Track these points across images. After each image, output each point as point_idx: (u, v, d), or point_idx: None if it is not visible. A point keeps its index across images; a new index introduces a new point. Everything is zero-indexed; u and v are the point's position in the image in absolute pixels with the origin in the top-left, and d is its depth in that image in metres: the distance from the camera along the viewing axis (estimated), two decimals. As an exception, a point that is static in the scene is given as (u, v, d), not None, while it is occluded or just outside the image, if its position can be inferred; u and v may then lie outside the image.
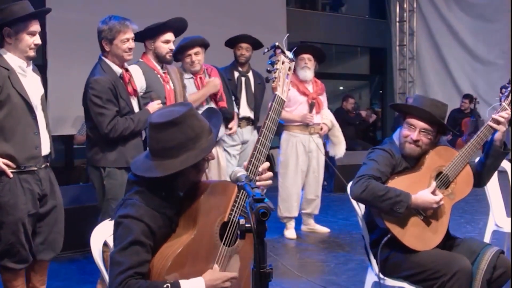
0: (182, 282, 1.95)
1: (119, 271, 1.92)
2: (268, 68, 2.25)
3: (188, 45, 4.52)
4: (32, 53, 3.14)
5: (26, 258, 3.19)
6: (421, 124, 2.80)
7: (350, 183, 2.92)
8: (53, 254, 3.35)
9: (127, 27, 3.50)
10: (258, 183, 2.12)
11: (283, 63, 2.24)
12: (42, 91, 3.28)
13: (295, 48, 2.39)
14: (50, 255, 3.33)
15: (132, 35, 3.54)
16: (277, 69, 2.22)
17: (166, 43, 4.00)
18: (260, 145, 2.13)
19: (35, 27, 3.13)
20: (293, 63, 2.30)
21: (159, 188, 2.07)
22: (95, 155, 3.56)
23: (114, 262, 1.95)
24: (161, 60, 4.03)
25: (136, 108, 3.67)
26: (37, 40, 3.13)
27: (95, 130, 3.52)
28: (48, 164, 3.30)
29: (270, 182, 2.17)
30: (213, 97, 4.63)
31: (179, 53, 4.54)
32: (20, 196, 3.11)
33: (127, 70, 3.63)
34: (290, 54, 2.27)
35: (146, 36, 4.03)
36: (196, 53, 4.53)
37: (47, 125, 3.28)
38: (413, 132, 2.81)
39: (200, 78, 4.58)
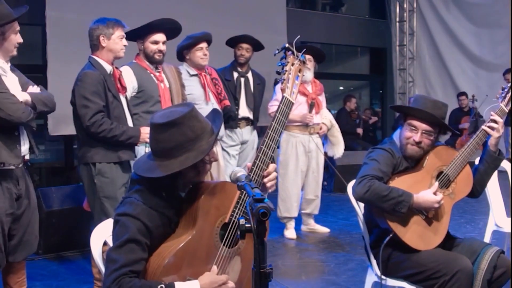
0: (177, 284, 1.95)
1: (113, 269, 1.92)
2: (278, 70, 2.24)
3: (203, 38, 4.58)
4: (15, 52, 3.19)
5: (0, 262, 3.11)
6: (423, 126, 2.81)
7: (352, 184, 2.93)
8: (25, 255, 3.29)
9: (123, 26, 3.62)
10: (265, 180, 2.12)
11: (292, 64, 2.24)
12: (19, 89, 3.23)
13: (304, 49, 2.38)
14: (22, 256, 3.26)
15: (124, 35, 3.64)
16: (286, 70, 2.22)
17: (155, 43, 4.02)
18: (265, 146, 2.12)
19: (17, 25, 3.18)
20: (304, 64, 2.29)
21: (159, 188, 2.07)
22: (85, 152, 3.56)
23: (109, 259, 1.96)
24: (149, 60, 4.06)
25: (125, 107, 3.69)
26: (20, 38, 3.19)
27: (83, 128, 3.51)
28: (24, 164, 3.24)
29: (274, 181, 2.16)
30: (217, 96, 4.63)
31: (189, 47, 4.54)
32: None
33: (117, 68, 3.68)
34: (300, 56, 2.26)
35: (135, 36, 4.05)
36: (206, 48, 4.58)
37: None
38: (415, 133, 2.81)
39: (205, 76, 4.60)
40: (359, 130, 9.64)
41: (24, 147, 3.17)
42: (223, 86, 4.80)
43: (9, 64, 3.21)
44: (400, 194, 2.66)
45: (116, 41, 3.57)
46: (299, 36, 2.41)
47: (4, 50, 3.12)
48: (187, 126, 2.03)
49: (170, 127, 2.02)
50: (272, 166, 2.14)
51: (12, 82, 3.20)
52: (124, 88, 3.69)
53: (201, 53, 4.55)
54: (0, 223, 3.07)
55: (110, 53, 3.58)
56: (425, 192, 2.73)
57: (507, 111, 2.94)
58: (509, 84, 2.98)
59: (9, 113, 2.96)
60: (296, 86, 2.23)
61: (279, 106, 2.18)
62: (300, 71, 2.26)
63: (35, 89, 3.26)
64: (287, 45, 2.26)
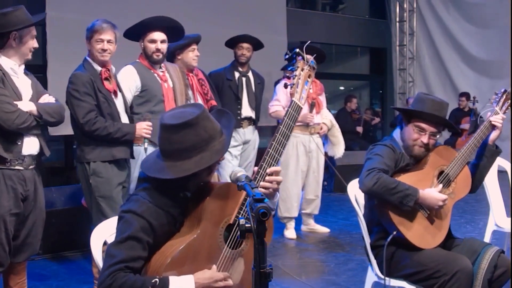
0: (172, 278, 1.95)
1: (110, 264, 1.93)
2: (288, 74, 2.25)
3: (196, 39, 4.58)
4: (30, 55, 3.26)
5: (3, 262, 3.12)
6: (431, 129, 2.84)
7: (352, 183, 2.96)
8: (27, 257, 3.31)
9: (103, 29, 3.57)
10: (262, 183, 2.10)
11: (302, 69, 2.25)
12: (31, 92, 3.29)
13: (315, 55, 2.39)
14: (24, 257, 3.28)
15: (109, 38, 3.58)
16: (295, 75, 2.23)
17: (152, 42, 4.02)
18: (272, 149, 2.12)
19: (35, 31, 3.26)
20: (314, 70, 2.30)
21: (168, 188, 2.07)
22: (81, 151, 3.58)
23: (108, 254, 1.97)
24: (148, 59, 4.05)
25: (120, 108, 3.68)
26: (36, 43, 3.27)
27: (79, 127, 3.54)
28: (35, 165, 3.25)
29: (276, 186, 2.13)
30: (204, 97, 4.61)
31: (183, 48, 4.52)
32: (3, 193, 3.08)
33: (108, 70, 3.66)
34: (311, 61, 2.27)
35: (134, 35, 4.06)
36: (197, 49, 4.57)
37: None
38: (423, 135, 2.83)
39: (192, 77, 4.58)
40: (359, 129, 9.62)
41: (30, 147, 3.18)
42: (210, 87, 4.77)
43: (23, 67, 3.27)
44: (407, 187, 2.68)
45: (93, 45, 3.57)
46: (309, 42, 2.41)
47: (20, 54, 3.20)
48: (201, 127, 2.03)
49: (183, 128, 2.02)
50: (277, 168, 2.13)
51: (24, 84, 3.25)
52: (115, 92, 3.68)
53: (193, 54, 4.54)
54: (3, 222, 3.09)
55: (93, 56, 3.60)
56: (430, 189, 2.75)
57: (502, 114, 3.02)
58: (503, 89, 3.07)
59: (1, 122, 3.02)
60: (305, 91, 2.24)
61: (287, 110, 2.18)
62: (309, 76, 2.27)
63: (49, 98, 3.31)
64: (297, 49, 2.27)
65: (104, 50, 3.56)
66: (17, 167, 3.14)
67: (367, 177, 2.71)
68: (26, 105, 3.14)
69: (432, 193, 2.73)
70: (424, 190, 2.73)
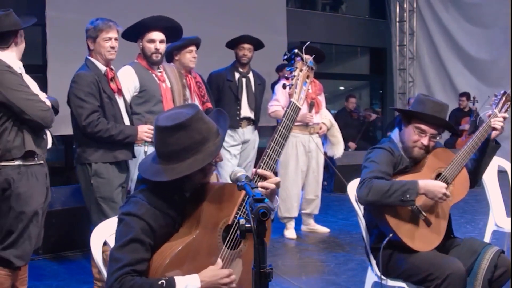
0: (177, 278, 1.95)
1: (116, 268, 1.93)
2: (286, 75, 2.27)
3: (194, 41, 4.57)
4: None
5: (27, 254, 3.17)
6: (432, 130, 2.83)
7: (352, 183, 2.95)
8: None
9: (110, 27, 3.58)
10: (260, 184, 2.10)
11: (301, 70, 2.26)
12: (39, 89, 3.34)
13: (314, 55, 2.40)
14: None
15: (115, 35, 3.61)
16: (294, 76, 2.24)
17: (151, 42, 4.01)
18: (270, 150, 2.12)
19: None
20: (313, 71, 2.30)
21: (165, 189, 2.07)
22: (81, 152, 3.58)
23: (112, 258, 1.97)
24: (147, 60, 4.05)
25: (121, 107, 3.68)
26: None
27: (80, 128, 3.55)
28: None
29: (273, 186, 2.12)
30: (200, 99, 4.61)
31: (180, 49, 4.52)
32: (37, 188, 3.17)
33: (112, 69, 3.68)
34: (309, 62, 2.28)
35: (132, 36, 4.06)
36: (196, 51, 4.57)
37: None
38: (424, 137, 2.82)
39: (191, 78, 4.58)
40: (352, 145, 9.42)
41: (49, 140, 3.30)
42: (206, 90, 4.76)
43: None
44: (403, 184, 2.65)
45: (101, 43, 3.56)
46: (308, 42, 2.42)
47: (19, 52, 3.26)
48: (194, 129, 2.02)
49: (177, 130, 2.01)
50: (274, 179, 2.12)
51: (30, 82, 3.29)
52: (119, 90, 3.69)
53: (190, 55, 4.53)
54: (37, 216, 3.17)
55: (99, 55, 3.60)
56: (430, 179, 2.74)
57: (502, 116, 3.00)
58: (502, 91, 3.05)
59: (39, 121, 3.12)
60: (303, 92, 2.25)
61: (286, 111, 2.19)
62: (308, 77, 2.28)
63: (44, 94, 3.35)
64: (296, 50, 2.27)
65: (113, 48, 3.58)
66: (41, 161, 3.22)
67: (360, 190, 2.71)
68: (46, 101, 3.22)
69: (434, 181, 2.71)
70: (424, 180, 2.70)
